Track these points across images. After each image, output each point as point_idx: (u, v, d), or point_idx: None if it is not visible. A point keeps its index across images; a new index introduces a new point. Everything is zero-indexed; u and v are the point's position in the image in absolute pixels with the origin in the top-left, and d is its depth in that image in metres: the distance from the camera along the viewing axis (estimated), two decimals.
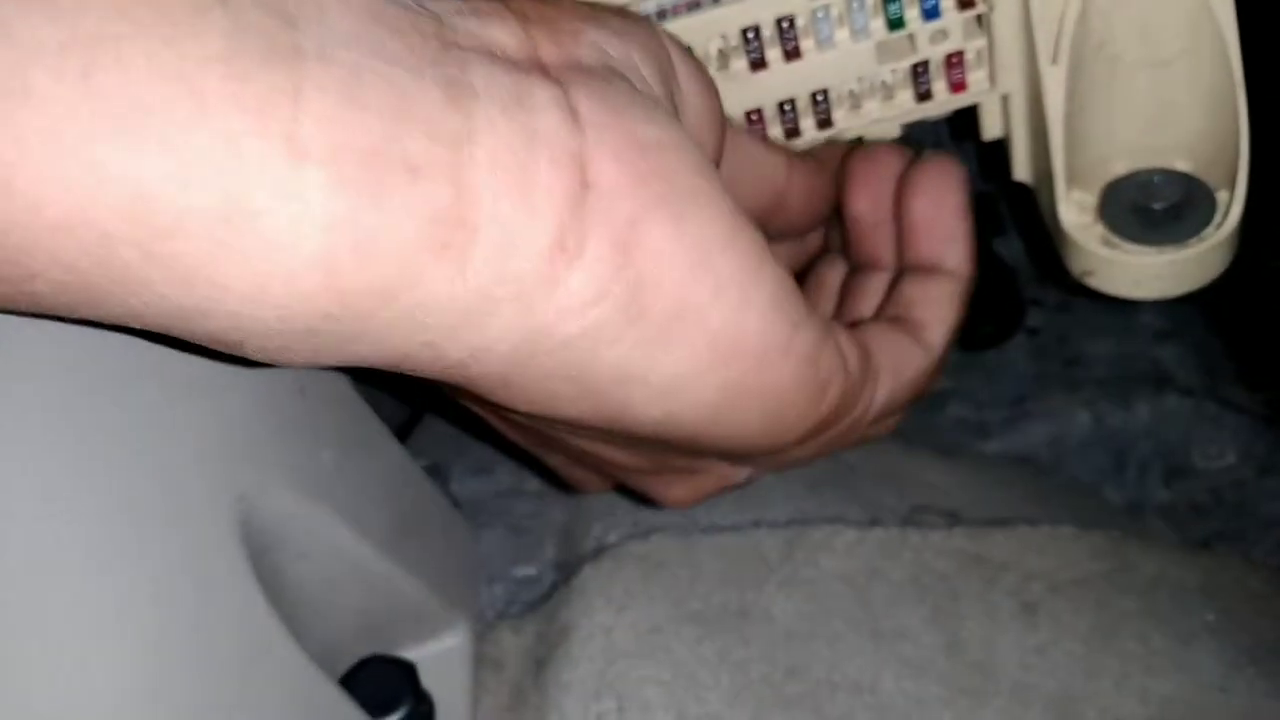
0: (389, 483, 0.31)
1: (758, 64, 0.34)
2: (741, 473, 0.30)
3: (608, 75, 0.22)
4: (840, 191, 0.34)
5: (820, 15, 0.33)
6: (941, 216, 0.32)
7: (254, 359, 0.20)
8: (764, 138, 0.31)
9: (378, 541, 0.29)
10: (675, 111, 0.24)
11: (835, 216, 0.35)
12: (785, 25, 0.33)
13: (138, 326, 0.19)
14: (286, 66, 0.17)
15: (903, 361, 0.30)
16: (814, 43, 0.34)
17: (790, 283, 0.24)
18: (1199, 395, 0.51)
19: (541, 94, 0.20)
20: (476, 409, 0.29)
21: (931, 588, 0.35)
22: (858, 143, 0.35)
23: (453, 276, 0.19)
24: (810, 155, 0.33)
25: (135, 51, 0.16)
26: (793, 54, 0.34)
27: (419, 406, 0.45)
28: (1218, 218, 0.34)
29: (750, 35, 0.33)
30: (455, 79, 0.19)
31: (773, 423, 0.25)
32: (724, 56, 0.33)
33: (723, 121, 0.27)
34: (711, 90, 0.26)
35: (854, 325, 0.31)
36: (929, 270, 0.32)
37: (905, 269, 0.33)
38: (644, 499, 0.32)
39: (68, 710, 0.19)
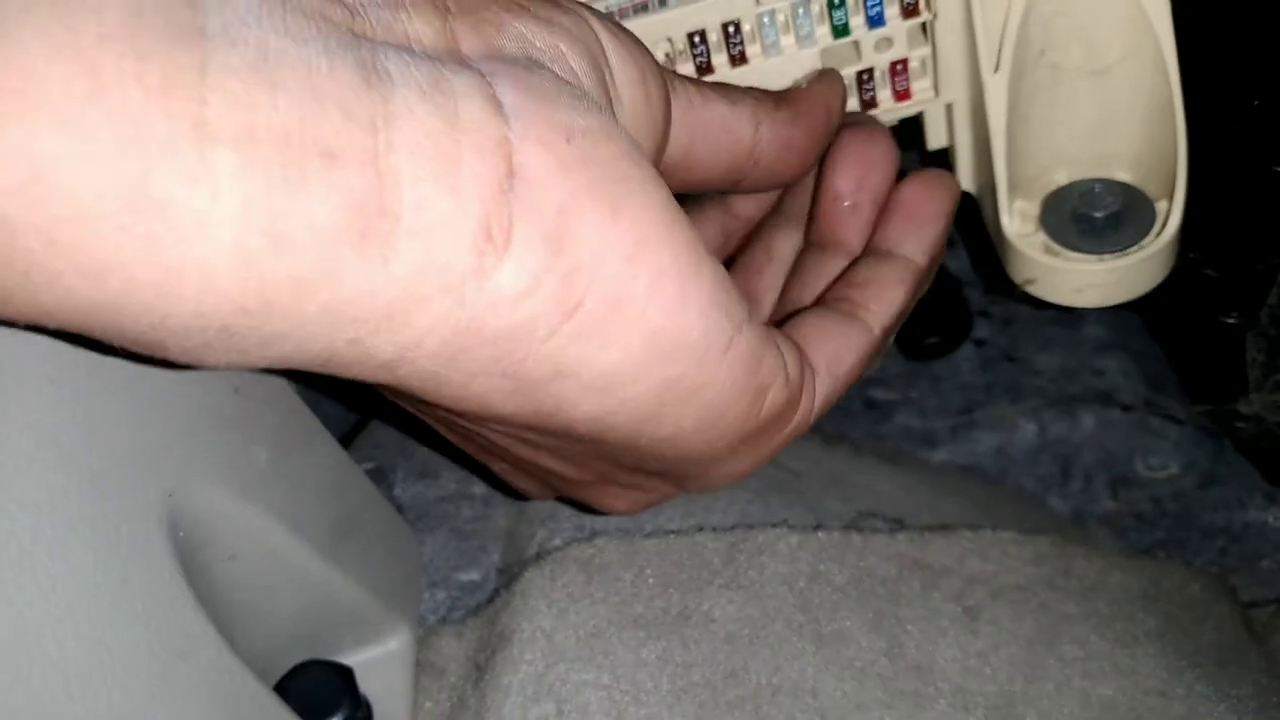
0: (327, 484, 0.30)
1: (704, 69, 0.34)
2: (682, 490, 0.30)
3: (531, 66, 0.21)
4: (824, 163, 0.33)
5: (766, 21, 0.33)
6: (925, 205, 0.32)
7: (179, 362, 0.19)
8: (729, 92, 0.29)
9: (315, 543, 0.28)
10: (609, 101, 0.23)
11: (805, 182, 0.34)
12: (731, 30, 0.33)
13: (53, 327, 0.18)
14: (189, 45, 0.16)
15: (841, 352, 0.29)
16: (760, 48, 0.34)
17: (729, 282, 0.24)
18: (1142, 406, 0.51)
19: (461, 82, 0.19)
20: (414, 411, 0.28)
21: (873, 592, 0.35)
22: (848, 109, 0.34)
23: (375, 268, 0.18)
24: (786, 101, 0.31)
25: (27, 26, 0.15)
26: (739, 59, 0.34)
27: (364, 410, 0.45)
28: (1157, 226, 0.34)
29: (696, 40, 0.33)
30: (368, 62, 0.18)
31: (710, 426, 0.24)
32: (670, 61, 0.34)
33: (666, 103, 0.26)
34: (651, 73, 0.25)
35: (794, 313, 0.31)
36: (886, 253, 0.32)
37: (864, 253, 0.32)
38: (586, 508, 0.32)
39: None
